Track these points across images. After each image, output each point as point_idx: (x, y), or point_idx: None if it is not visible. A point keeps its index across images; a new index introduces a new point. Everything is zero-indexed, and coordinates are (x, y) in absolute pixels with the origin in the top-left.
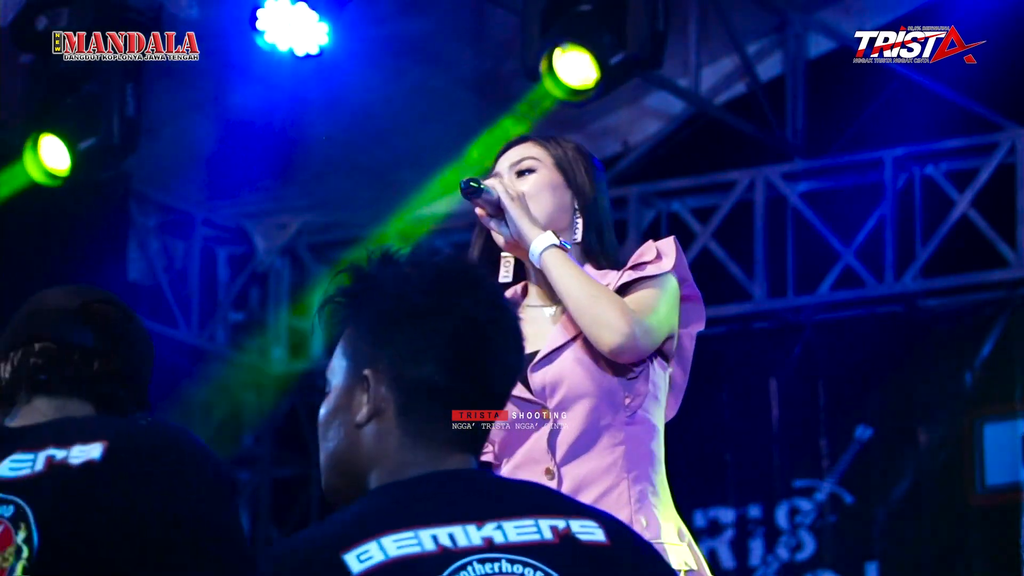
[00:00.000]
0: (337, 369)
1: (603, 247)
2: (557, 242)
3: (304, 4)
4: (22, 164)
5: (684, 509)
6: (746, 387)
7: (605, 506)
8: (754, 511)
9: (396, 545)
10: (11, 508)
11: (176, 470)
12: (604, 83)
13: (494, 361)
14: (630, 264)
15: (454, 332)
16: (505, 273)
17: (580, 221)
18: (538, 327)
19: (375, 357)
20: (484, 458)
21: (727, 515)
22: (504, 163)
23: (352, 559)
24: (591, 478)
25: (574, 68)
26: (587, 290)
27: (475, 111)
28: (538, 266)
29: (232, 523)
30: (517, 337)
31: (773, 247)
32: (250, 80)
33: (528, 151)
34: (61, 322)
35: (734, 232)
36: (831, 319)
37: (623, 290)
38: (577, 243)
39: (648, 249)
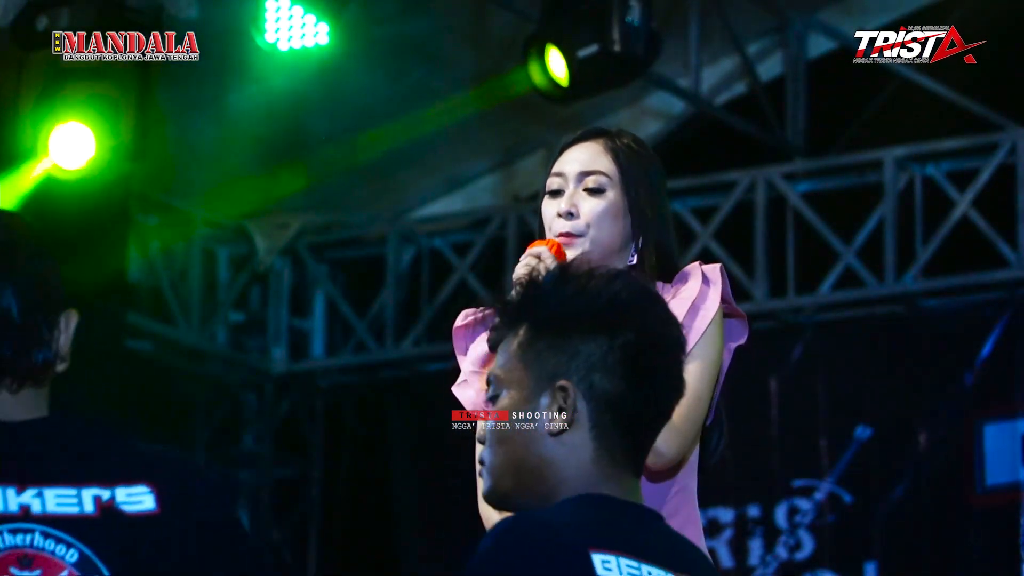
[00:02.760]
0: (514, 375)
1: (659, 261)
2: None
3: (304, 4)
4: (36, 161)
5: None
6: (746, 387)
7: None
8: (753, 511)
9: (628, 571)
10: (75, 554)
11: (228, 520)
12: (581, 80)
13: (666, 376)
14: (677, 299)
15: (637, 346)
16: None
17: (635, 244)
18: None
19: (564, 367)
20: None
21: (726, 515)
22: (571, 166)
23: (598, 561)
24: None
25: (560, 64)
26: None
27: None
28: None
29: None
30: (682, 355)
31: (773, 247)
32: (250, 80)
33: (599, 161)
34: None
35: (734, 232)
36: (831, 319)
37: None
38: (631, 265)
39: (694, 274)
